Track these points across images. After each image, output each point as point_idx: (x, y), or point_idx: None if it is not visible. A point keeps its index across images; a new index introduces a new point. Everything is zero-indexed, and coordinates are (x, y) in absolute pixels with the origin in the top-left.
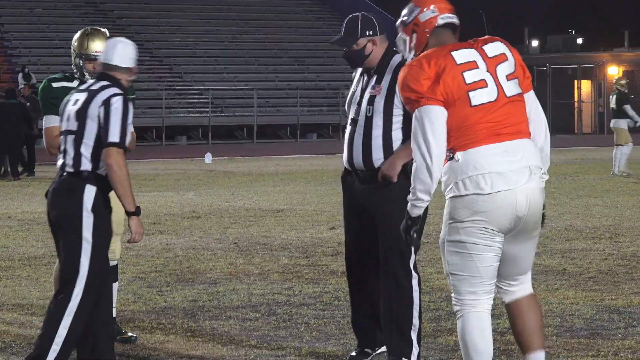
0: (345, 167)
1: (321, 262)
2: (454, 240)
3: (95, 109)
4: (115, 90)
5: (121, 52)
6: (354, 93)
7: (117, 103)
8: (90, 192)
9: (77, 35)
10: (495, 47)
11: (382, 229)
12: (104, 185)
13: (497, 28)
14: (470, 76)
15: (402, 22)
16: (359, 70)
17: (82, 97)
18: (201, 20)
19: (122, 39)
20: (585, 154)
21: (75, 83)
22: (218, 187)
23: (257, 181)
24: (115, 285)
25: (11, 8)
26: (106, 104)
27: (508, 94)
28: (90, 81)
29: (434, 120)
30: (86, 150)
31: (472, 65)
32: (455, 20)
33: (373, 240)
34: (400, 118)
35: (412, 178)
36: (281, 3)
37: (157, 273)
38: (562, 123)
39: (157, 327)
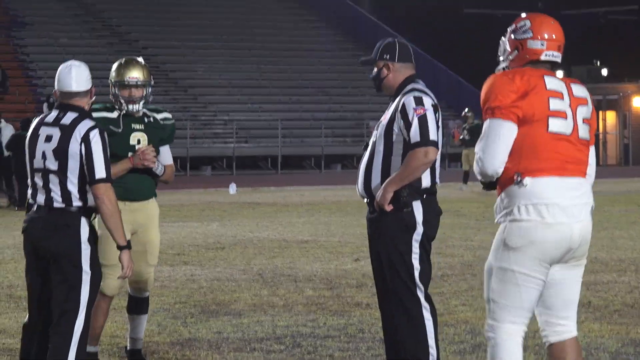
0: None
1: (345, 293)
2: (502, 267)
3: (75, 147)
4: (89, 122)
5: (77, 77)
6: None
7: (95, 137)
8: (85, 226)
9: (114, 67)
10: (580, 90)
11: (384, 260)
12: (91, 217)
13: None
14: (554, 103)
15: (512, 32)
16: None
17: (54, 133)
18: (225, 50)
19: (73, 62)
20: (610, 186)
21: (115, 114)
22: (242, 217)
23: (281, 212)
24: (145, 318)
25: (36, 37)
26: (85, 140)
27: (580, 135)
28: (53, 113)
29: (502, 135)
30: (73, 187)
31: (559, 95)
32: (558, 59)
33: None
34: (401, 145)
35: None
36: (305, 33)
37: (182, 304)
38: None
39: (181, 358)
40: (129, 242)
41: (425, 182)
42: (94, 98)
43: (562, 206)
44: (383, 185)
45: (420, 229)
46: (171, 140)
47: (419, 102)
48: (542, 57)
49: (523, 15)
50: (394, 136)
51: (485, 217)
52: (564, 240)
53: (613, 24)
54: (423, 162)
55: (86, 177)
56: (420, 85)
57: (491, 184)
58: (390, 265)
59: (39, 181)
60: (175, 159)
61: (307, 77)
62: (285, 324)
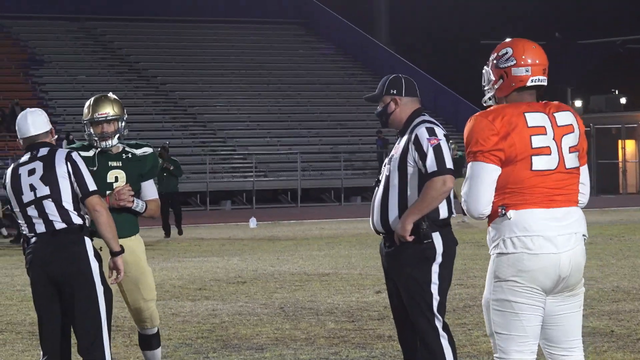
0: None
1: (367, 326)
2: (498, 299)
3: (63, 168)
4: (65, 150)
5: (33, 122)
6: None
7: (77, 158)
8: (89, 242)
9: (85, 106)
10: (565, 117)
11: (402, 293)
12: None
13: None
14: (537, 141)
15: (494, 61)
16: None
17: (36, 166)
18: (244, 84)
19: (28, 109)
20: (630, 215)
21: (91, 152)
22: (263, 251)
23: (301, 245)
24: (158, 352)
25: (55, 75)
26: (70, 159)
27: (567, 166)
28: (26, 155)
29: (484, 178)
30: (69, 205)
31: (541, 131)
32: (544, 83)
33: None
34: (416, 177)
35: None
36: (322, 67)
37: (204, 339)
38: (606, 183)
39: None
40: (122, 246)
41: (443, 212)
42: (55, 137)
43: (547, 237)
44: (402, 217)
45: (439, 259)
46: (153, 174)
47: (431, 132)
48: (528, 84)
49: (505, 41)
50: (409, 169)
51: None
52: (552, 268)
53: (631, 53)
54: (442, 191)
55: (77, 195)
56: (428, 117)
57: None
58: (410, 297)
59: (33, 213)
60: (194, 193)
61: (325, 110)
62: (308, 357)
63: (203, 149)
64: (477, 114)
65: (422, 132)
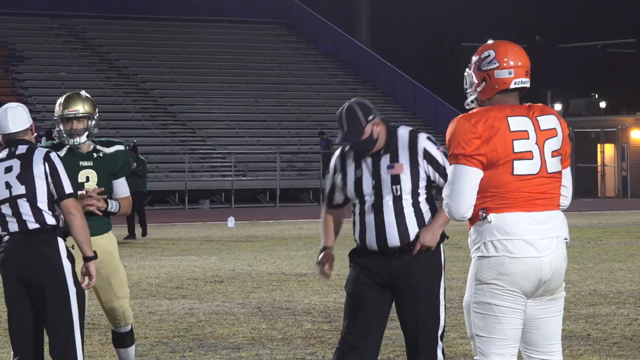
0: (362, 248)
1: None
2: (479, 302)
3: (40, 168)
4: (44, 149)
5: (13, 118)
6: (359, 178)
7: (55, 158)
8: (62, 243)
9: (57, 103)
10: (548, 121)
11: (415, 300)
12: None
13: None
14: (519, 145)
15: (477, 63)
16: (349, 154)
17: (13, 164)
18: (224, 84)
19: (10, 104)
20: (608, 218)
21: (63, 151)
22: (241, 251)
23: (279, 245)
24: (132, 350)
25: (35, 72)
26: (48, 160)
27: (549, 170)
28: (4, 151)
29: (466, 181)
30: (44, 206)
31: (523, 135)
32: (527, 85)
33: (384, 318)
34: (425, 188)
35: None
36: (303, 67)
37: (180, 338)
38: (585, 187)
39: None
40: (95, 252)
41: None
42: (35, 134)
43: (528, 240)
44: (431, 228)
45: (444, 268)
46: (125, 172)
47: (433, 141)
48: (512, 86)
49: (487, 43)
50: (421, 182)
51: None
52: (533, 271)
53: (611, 57)
54: None
55: (53, 196)
56: (402, 125)
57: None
58: (421, 303)
59: (7, 211)
60: (173, 192)
61: (305, 111)
62: (284, 357)
63: (182, 147)
64: (460, 116)
65: (427, 143)
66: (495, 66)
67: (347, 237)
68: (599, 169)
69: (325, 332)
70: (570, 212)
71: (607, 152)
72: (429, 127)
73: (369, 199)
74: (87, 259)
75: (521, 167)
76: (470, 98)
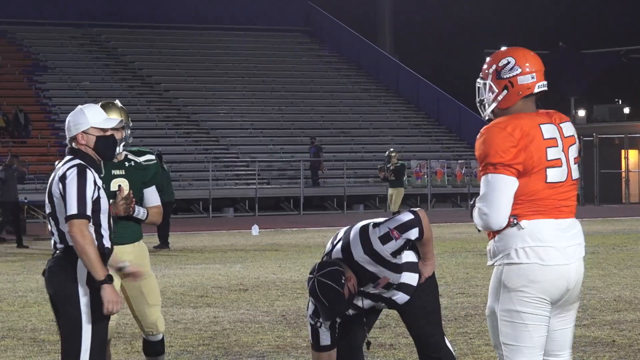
0: None
1: (369, 334)
2: (507, 310)
3: (56, 188)
4: (72, 162)
5: (67, 122)
6: (360, 307)
7: (71, 175)
8: (81, 266)
9: None
10: (569, 128)
11: (427, 316)
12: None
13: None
14: (551, 153)
15: (496, 71)
16: None
17: (52, 177)
18: (247, 92)
19: (79, 106)
20: (633, 224)
21: None
22: (265, 259)
23: (304, 253)
24: (162, 358)
25: (59, 82)
26: (62, 180)
27: (573, 177)
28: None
29: (505, 191)
30: (64, 227)
31: (554, 143)
32: (546, 88)
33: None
34: (402, 253)
35: (475, 221)
36: (325, 75)
37: (205, 346)
38: (609, 193)
39: None
40: (109, 276)
41: None
42: (110, 132)
43: (558, 248)
44: (427, 263)
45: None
46: (156, 181)
47: (385, 234)
48: (535, 90)
49: (500, 51)
50: (400, 262)
51: None
52: (562, 279)
53: (635, 63)
54: (429, 224)
55: None
56: (335, 252)
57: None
58: (426, 312)
59: (49, 225)
60: (197, 200)
61: (328, 118)
62: None
63: (206, 156)
64: (493, 124)
65: (388, 246)
66: (517, 72)
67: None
68: (623, 174)
69: None
70: (594, 219)
71: (631, 157)
72: (452, 134)
73: (372, 303)
74: (100, 283)
75: (553, 175)
76: (490, 109)
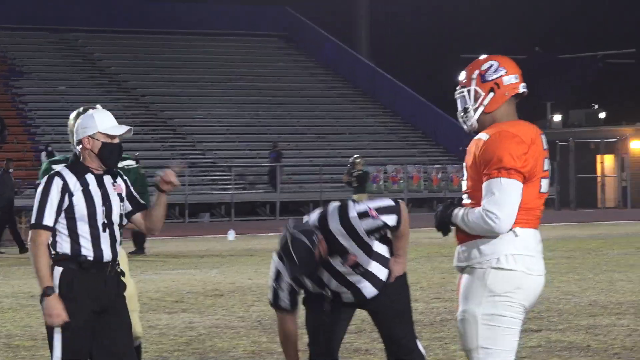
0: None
1: (344, 339)
2: (490, 314)
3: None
4: (49, 172)
5: (79, 123)
6: (320, 279)
7: (42, 184)
8: (57, 273)
9: (72, 116)
10: (544, 140)
11: (397, 318)
12: (74, 266)
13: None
14: (546, 163)
15: (480, 75)
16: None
17: None
18: (224, 97)
19: (90, 110)
20: (608, 229)
21: None
22: (241, 264)
23: None
24: None
25: (35, 87)
26: (38, 187)
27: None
28: None
29: (517, 196)
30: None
31: (547, 154)
32: (527, 90)
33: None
34: (376, 239)
35: (467, 224)
36: (303, 80)
37: (180, 352)
38: (585, 198)
39: None
40: (48, 287)
41: None
42: (79, 147)
43: (538, 258)
44: (398, 261)
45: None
46: (136, 186)
47: (362, 211)
48: (520, 90)
49: (480, 59)
50: (372, 244)
51: None
52: (538, 289)
53: (611, 68)
54: (408, 219)
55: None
56: (304, 222)
57: (447, 230)
58: (402, 315)
59: None
60: (173, 205)
61: (305, 123)
62: None
63: (182, 161)
64: (503, 129)
65: (364, 222)
66: (503, 73)
67: None
68: (599, 179)
69: None
70: (571, 223)
71: (607, 162)
72: (429, 139)
73: (338, 287)
74: (41, 294)
75: (544, 185)
76: (477, 114)
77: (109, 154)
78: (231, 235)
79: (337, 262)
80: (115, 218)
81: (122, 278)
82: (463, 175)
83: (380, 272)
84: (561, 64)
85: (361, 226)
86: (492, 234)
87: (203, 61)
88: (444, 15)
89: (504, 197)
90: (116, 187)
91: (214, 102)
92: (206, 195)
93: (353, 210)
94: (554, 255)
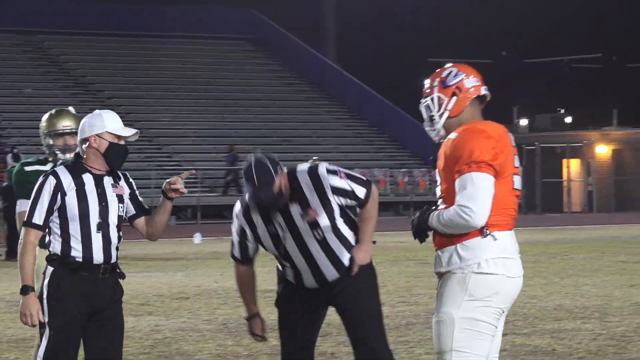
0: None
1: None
2: (468, 318)
3: None
4: (53, 170)
5: (86, 122)
6: (275, 235)
7: (37, 183)
8: (48, 273)
9: (44, 118)
10: (512, 138)
11: (363, 317)
12: (63, 266)
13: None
14: (516, 160)
15: (441, 82)
16: (254, 210)
17: None
18: (190, 100)
19: (97, 110)
20: (574, 233)
21: (48, 166)
22: (207, 267)
23: None
24: None
25: (0, 89)
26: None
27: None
28: None
29: (490, 189)
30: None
31: (516, 151)
32: (489, 94)
33: (317, 330)
34: (342, 216)
35: (443, 223)
36: (269, 83)
37: (146, 355)
38: (551, 202)
39: None
40: (25, 287)
41: None
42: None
43: (516, 259)
44: (361, 247)
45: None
46: None
47: (328, 170)
48: (482, 92)
49: (439, 70)
50: (336, 215)
51: None
52: (517, 291)
53: (577, 72)
54: (378, 199)
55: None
56: (290, 168)
57: (424, 236)
58: (366, 312)
59: None
60: None
61: (271, 127)
62: None
63: (148, 163)
64: (468, 127)
65: (331, 178)
66: (462, 77)
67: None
68: (565, 184)
69: None
70: (536, 227)
71: (573, 167)
72: (395, 142)
73: (294, 250)
74: (20, 292)
75: (516, 182)
76: (442, 120)
77: (116, 154)
78: (197, 238)
79: (296, 214)
80: (113, 219)
81: (120, 281)
82: (437, 181)
83: (343, 255)
84: (528, 68)
85: (328, 182)
86: (469, 229)
87: (170, 64)
88: (412, 19)
89: (477, 191)
90: (117, 189)
91: (180, 105)
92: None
93: (323, 167)
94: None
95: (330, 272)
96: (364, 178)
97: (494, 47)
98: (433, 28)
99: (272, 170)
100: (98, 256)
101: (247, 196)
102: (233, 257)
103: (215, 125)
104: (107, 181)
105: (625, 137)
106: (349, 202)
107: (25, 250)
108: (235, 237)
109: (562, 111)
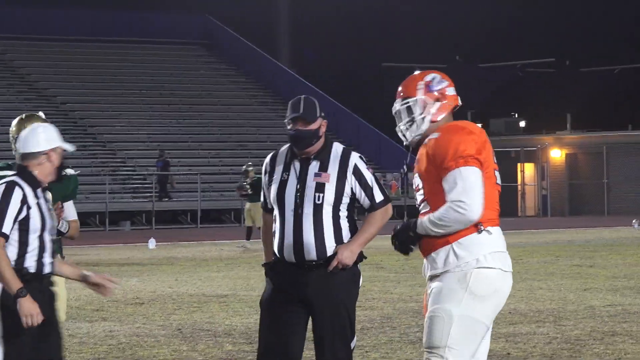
0: (277, 260)
1: None
2: (467, 316)
3: None
4: (8, 178)
5: (24, 139)
6: (285, 181)
7: (0, 192)
8: (0, 285)
9: (14, 122)
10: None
11: (329, 316)
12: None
13: None
14: (495, 157)
15: (426, 85)
16: (280, 158)
17: None
18: (145, 105)
19: (33, 124)
20: (528, 237)
21: None
22: (161, 272)
23: (200, 266)
24: None
25: None
26: None
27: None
28: None
29: (479, 181)
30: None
31: (492, 149)
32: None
33: (301, 334)
34: (347, 206)
35: (436, 223)
36: (224, 88)
37: None
38: (505, 206)
39: None
40: (21, 290)
41: None
42: (50, 161)
43: (507, 254)
44: (350, 246)
45: (360, 283)
46: (74, 195)
47: (364, 160)
48: (459, 103)
49: (418, 73)
50: (343, 198)
51: (405, 269)
52: (510, 288)
53: (530, 77)
54: (388, 219)
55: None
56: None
57: (408, 248)
58: (337, 320)
59: None
60: (94, 214)
61: (226, 131)
62: None
63: (103, 169)
64: (451, 125)
65: (359, 161)
66: (445, 84)
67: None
68: (519, 188)
69: (246, 354)
70: None
71: (527, 171)
72: (350, 148)
73: (290, 205)
74: (14, 297)
75: (498, 178)
76: (426, 122)
77: (61, 167)
78: (152, 243)
79: (312, 172)
80: (53, 231)
81: (53, 288)
82: (416, 185)
83: (328, 239)
84: (481, 72)
85: (355, 162)
86: (465, 224)
87: (124, 69)
88: (365, 25)
89: (468, 184)
90: (48, 202)
91: (134, 109)
92: (127, 203)
93: (357, 154)
94: None
95: (309, 249)
96: (386, 193)
97: (448, 51)
98: (387, 33)
99: (318, 110)
100: (48, 267)
101: (287, 116)
102: (263, 207)
103: (169, 131)
104: (47, 194)
105: (579, 141)
106: (362, 196)
107: (2, 256)
108: (264, 187)
109: (516, 115)
